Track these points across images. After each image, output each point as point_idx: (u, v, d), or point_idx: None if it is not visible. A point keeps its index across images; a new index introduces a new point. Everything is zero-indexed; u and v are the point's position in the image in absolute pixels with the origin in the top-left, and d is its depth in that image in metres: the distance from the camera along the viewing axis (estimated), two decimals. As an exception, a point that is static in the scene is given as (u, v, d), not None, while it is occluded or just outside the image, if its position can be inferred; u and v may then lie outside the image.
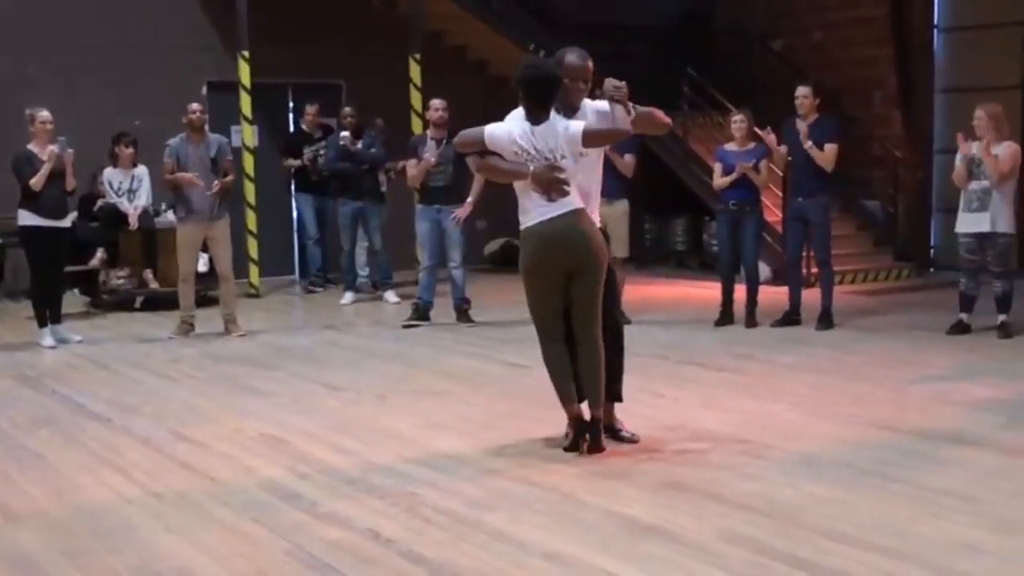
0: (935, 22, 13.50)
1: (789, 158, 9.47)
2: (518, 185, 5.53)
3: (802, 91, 9.33)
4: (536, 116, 5.45)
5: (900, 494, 4.90)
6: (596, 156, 5.67)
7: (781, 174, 11.43)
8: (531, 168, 5.39)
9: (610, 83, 5.54)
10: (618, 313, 6.28)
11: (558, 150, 5.43)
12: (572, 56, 5.62)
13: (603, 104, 5.57)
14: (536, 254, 5.49)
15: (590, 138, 5.48)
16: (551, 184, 5.39)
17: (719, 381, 7.44)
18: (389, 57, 12.80)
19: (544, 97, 5.44)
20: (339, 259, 11.94)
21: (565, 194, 5.41)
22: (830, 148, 9.16)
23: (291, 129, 13.56)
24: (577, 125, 5.47)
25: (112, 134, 11.55)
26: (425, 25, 12.97)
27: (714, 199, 9.93)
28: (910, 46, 13.43)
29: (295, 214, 13.23)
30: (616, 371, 5.83)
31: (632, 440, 5.80)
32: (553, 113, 5.49)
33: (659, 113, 5.77)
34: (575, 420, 5.62)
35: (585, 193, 5.56)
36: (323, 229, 12.59)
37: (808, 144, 9.11)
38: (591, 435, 5.58)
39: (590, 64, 5.63)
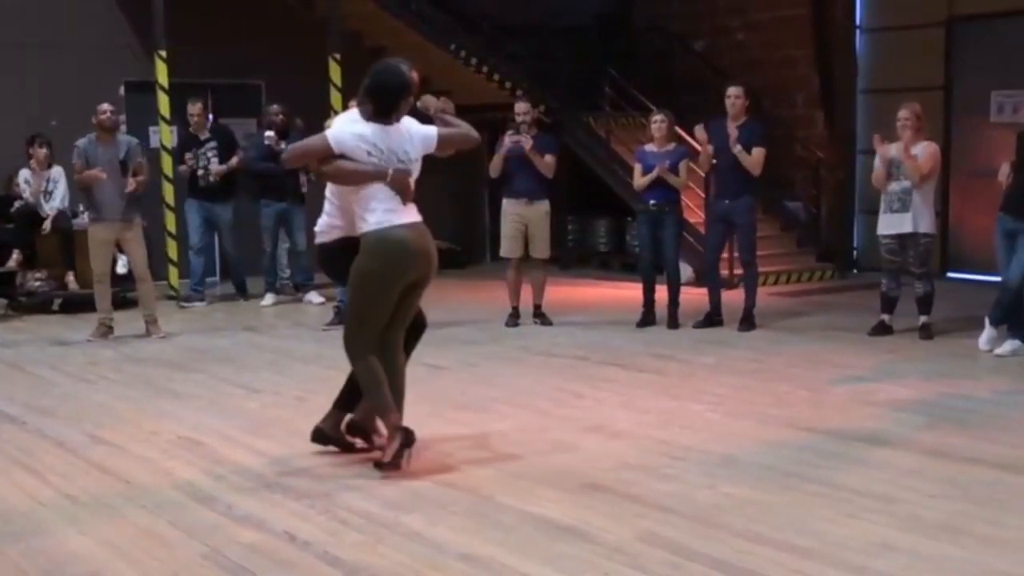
0: (857, 22, 13.60)
1: (714, 160, 9.50)
2: (360, 188, 5.29)
3: (733, 91, 9.35)
4: (386, 119, 5.32)
5: (817, 495, 4.95)
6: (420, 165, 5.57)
7: (703, 174, 11.55)
8: (390, 171, 5.27)
9: (433, 100, 5.60)
10: None
11: (411, 152, 5.38)
12: (406, 68, 5.41)
13: (413, 121, 5.49)
14: (396, 259, 5.25)
15: (444, 142, 5.51)
16: (406, 187, 5.31)
17: (639, 382, 7.48)
18: (309, 57, 12.70)
19: (399, 102, 5.31)
20: (245, 263, 11.81)
21: (412, 199, 5.36)
22: (758, 152, 9.20)
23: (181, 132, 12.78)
24: (431, 128, 5.47)
25: (28, 135, 11.34)
26: (344, 25, 12.88)
27: (636, 200, 9.97)
28: (831, 46, 13.55)
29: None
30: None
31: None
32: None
33: (461, 128, 5.66)
34: (401, 430, 5.28)
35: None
36: (209, 237, 11.86)
37: (737, 148, 9.14)
38: (409, 444, 5.31)
39: (416, 76, 5.50)
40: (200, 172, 11.24)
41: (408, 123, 5.43)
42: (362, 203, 5.29)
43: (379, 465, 5.29)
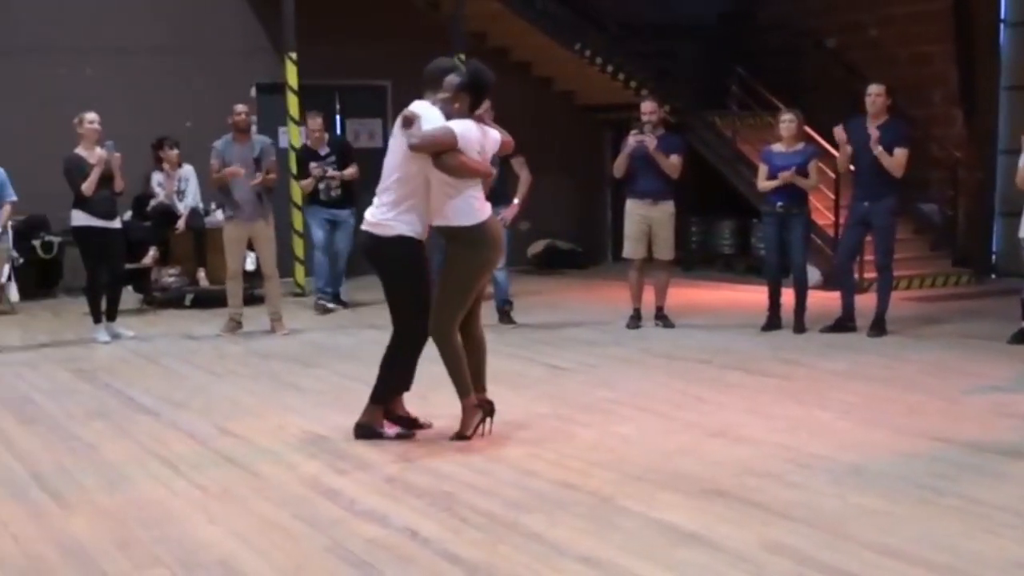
0: (1001, 15, 13.07)
1: (852, 165, 9.22)
2: (456, 181, 5.68)
3: (875, 89, 9.06)
4: (476, 119, 5.80)
5: (952, 508, 4.76)
6: None
7: (832, 175, 11.29)
8: (494, 170, 5.91)
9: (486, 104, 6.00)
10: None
11: (490, 151, 5.87)
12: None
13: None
14: (495, 247, 5.87)
15: (501, 147, 5.98)
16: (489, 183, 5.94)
17: (765, 387, 7.32)
18: (433, 58, 12.77)
19: (482, 102, 5.86)
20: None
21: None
22: (900, 153, 8.89)
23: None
24: (496, 132, 5.93)
25: (163, 136, 11.72)
26: (468, 26, 12.94)
27: (761, 201, 9.77)
28: (973, 41, 13.03)
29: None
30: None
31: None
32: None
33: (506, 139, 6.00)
34: (480, 406, 5.89)
35: None
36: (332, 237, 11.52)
37: (878, 150, 8.87)
38: (490, 414, 5.93)
39: None
40: (322, 186, 11.05)
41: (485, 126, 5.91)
42: (462, 196, 5.69)
43: (459, 436, 5.84)
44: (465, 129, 5.65)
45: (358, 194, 10.97)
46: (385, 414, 6.03)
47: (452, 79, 5.73)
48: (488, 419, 5.93)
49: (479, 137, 5.73)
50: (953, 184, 13.07)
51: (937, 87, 13.37)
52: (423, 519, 4.66)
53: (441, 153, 5.60)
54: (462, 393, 5.87)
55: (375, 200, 5.89)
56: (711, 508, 4.75)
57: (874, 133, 8.87)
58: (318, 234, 11.08)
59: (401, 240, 5.75)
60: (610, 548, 4.28)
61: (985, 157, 13.08)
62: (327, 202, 11.01)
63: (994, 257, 13.22)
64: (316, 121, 11.04)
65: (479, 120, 5.82)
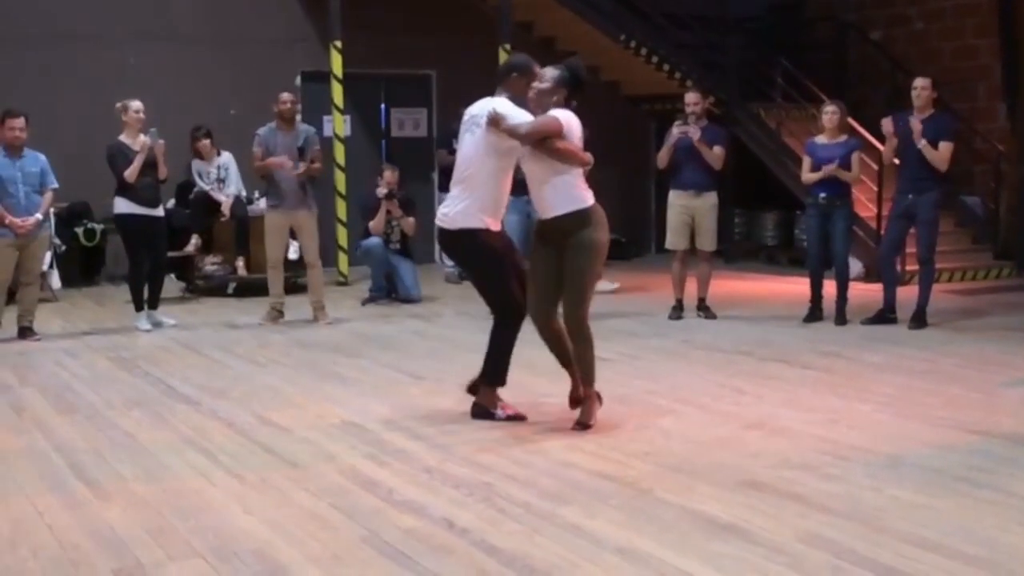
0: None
1: (896, 158, 9.15)
2: (558, 169, 5.82)
3: (921, 83, 9.03)
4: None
5: (989, 501, 4.75)
6: None
7: (877, 168, 11.23)
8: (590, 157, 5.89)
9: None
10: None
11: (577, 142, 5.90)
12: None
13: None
14: (608, 231, 5.97)
15: None
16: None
17: (804, 379, 7.30)
18: (479, 48, 12.83)
19: (577, 96, 6.01)
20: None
21: None
22: (945, 147, 8.85)
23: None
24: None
25: (196, 125, 11.73)
26: (514, 15, 12.95)
27: (805, 193, 9.72)
28: (1018, 35, 12.94)
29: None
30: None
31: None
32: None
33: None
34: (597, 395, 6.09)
35: None
36: None
37: (922, 143, 8.81)
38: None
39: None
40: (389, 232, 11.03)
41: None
42: (575, 182, 5.86)
43: (582, 425, 5.94)
44: (568, 118, 5.82)
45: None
46: None
47: (551, 71, 5.92)
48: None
49: (578, 127, 5.87)
50: (996, 178, 13.00)
51: (981, 81, 13.31)
52: (461, 510, 4.69)
53: (547, 139, 5.75)
54: (589, 382, 6.02)
55: (449, 193, 6.12)
56: (748, 500, 4.75)
57: (917, 127, 8.81)
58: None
59: (469, 232, 5.97)
60: (647, 540, 4.29)
61: (1027, 151, 12.96)
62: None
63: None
64: (392, 174, 10.96)
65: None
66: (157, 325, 9.49)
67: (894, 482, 5.00)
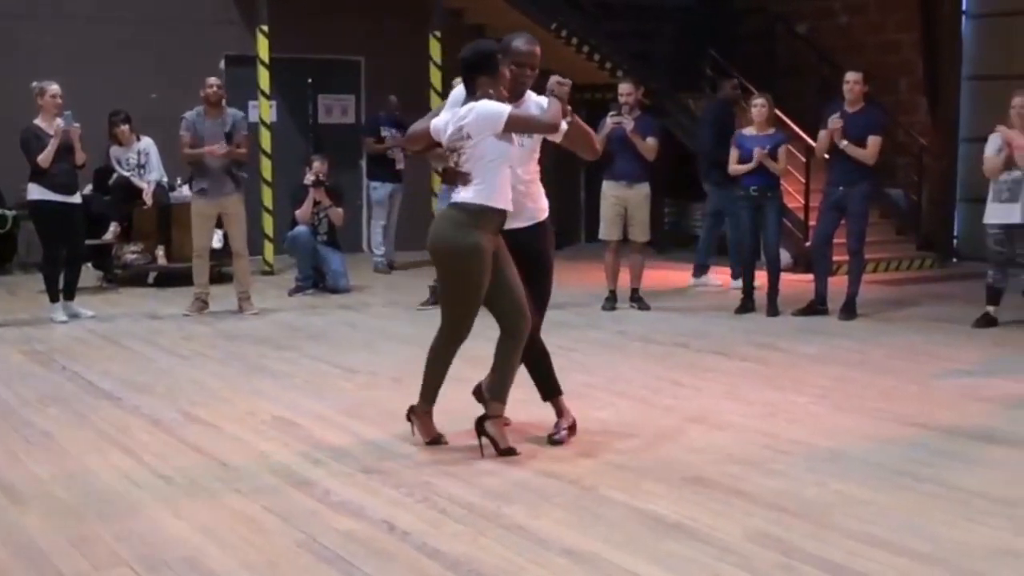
0: (964, 8, 13.22)
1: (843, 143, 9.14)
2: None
3: (852, 77, 9.06)
4: (471, 99, 5.27)
5: (932, 495, 4.74)
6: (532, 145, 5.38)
7: (804, 159, 11.30)
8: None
9: (555, 79, 5.34)
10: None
11: (465, 130, 5.20)
12: (520, 41, 5.35)
13: (545, 100, 5.32)
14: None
15: (514, 123, 5.18)
16: (445, 172, 5.41)
17: (741, 371, 7.28)
18: (408, 34, 12.66)
19: (471, 79, 5.26)
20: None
21: (459, 182, 5.27)
22: (873, 141, 8.90)
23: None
24: (502, 107, 5.19)
25: (114, 110, 11.38)
26: (445, 3, 12.80)
27: (734, 184, 9.73)
28: (938, 32, 13.15)
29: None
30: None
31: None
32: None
33: (594, 136, 5.69)
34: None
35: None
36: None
37: (844, 143, 8.86)
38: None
39: (538, 50, 5.37)
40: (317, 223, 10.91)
41: (527, 103, 5.33)
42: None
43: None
44: (436, 117, 5.47)
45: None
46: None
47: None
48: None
49: (444, 120, 5.35)
50: (918, 170, 13.18)
51: (904, 75, 13.50)
52: (401, 511, 4.54)
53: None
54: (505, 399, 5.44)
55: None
56: (694, 497, 4.68)
57: (834, 124, 8.84)
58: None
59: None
60: (595, 540, 4.19)
61: (948, 145, 13.19)
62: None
63: (956, 242, 13.36)
64: (322, 164, 10.81)
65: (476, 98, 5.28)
66: (74, 316, 9.17)
67: (837, 477, 4.97)
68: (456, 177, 5.26)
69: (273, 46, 11.84)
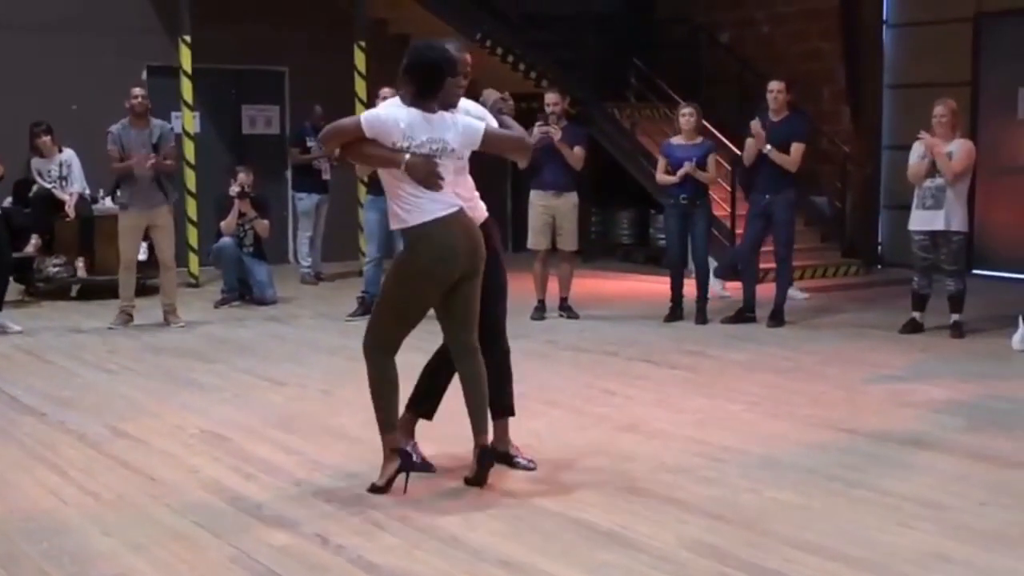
0: (884, 17, 13.46)
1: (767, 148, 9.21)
2: (392, 177, 4.88)
3: (775, 86, 9.19)
4: (428, 105, 4.87)
5: (864, 500, 4.80)
6: (465, 162, 5.14)
7: (730, 168, 11.41)
8: (406, 157, 4.79)
9: (494, 93, 5.23)
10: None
11: (450, 142, 4.89)
12: (452, 48, 5.03)
13: (480, 108, 5.18)
14: (440, 254, 4.86)
15: (490, 140, 5.03)
16: (430, 177, 4.83)
17: (672, 379, 7.33)
18: (333, 44, 12.58)
19: (438, 81, 4.88)
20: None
21: (440, 188, 4.87)
22: (796, 148, 9.04)
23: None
24: (479, 123, 5.02)
25: (35, 121, 11.16)
26: (369, 12, 12.75)
27: (661, 193, 9.80)
28: (859, 41, 13.37)
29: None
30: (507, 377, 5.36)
31: (529, 468, 5.23)
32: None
33: (528, 139, 5.45)
34: (399, 452, 4.92)
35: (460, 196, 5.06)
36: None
37: (767, 148, 8.98)
38: (485, 465, 4.96)
39: (469, 57, 5.20)
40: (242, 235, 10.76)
41: (461, 112, 5.06)
42: (402, 195, 4.87)
43: (373, 488, 4.88)
44: (375, 115, 4.93)
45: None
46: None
47: (402, 64, 4.95)
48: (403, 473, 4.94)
49: (410, 127, 4.82)
50: (842, 178, 13.36)
51: (826, 83, 13.68)
52: (334, 524, 4.49)
53: (350, 144, 4.91)
54: (379, 428, 5.02)
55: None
56: (629, 506, 4.69)
57: (756, 130, 8.97)
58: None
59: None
60: (530, 551, 4.18)
61: (872, 152, 13.41)
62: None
63: (880, 248, 13.56)
64: (248, 177, 10.68)
65: (439, 109, 4.91)
66: (2, 331, 8.95)
67: (770, 483, 5.01)
68: (430, 185, 4.89)
69: (196, 56, 11.69)
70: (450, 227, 4.89)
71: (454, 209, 4.93)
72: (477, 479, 4.94)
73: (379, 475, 4.91)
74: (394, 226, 5.02)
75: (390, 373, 5.01)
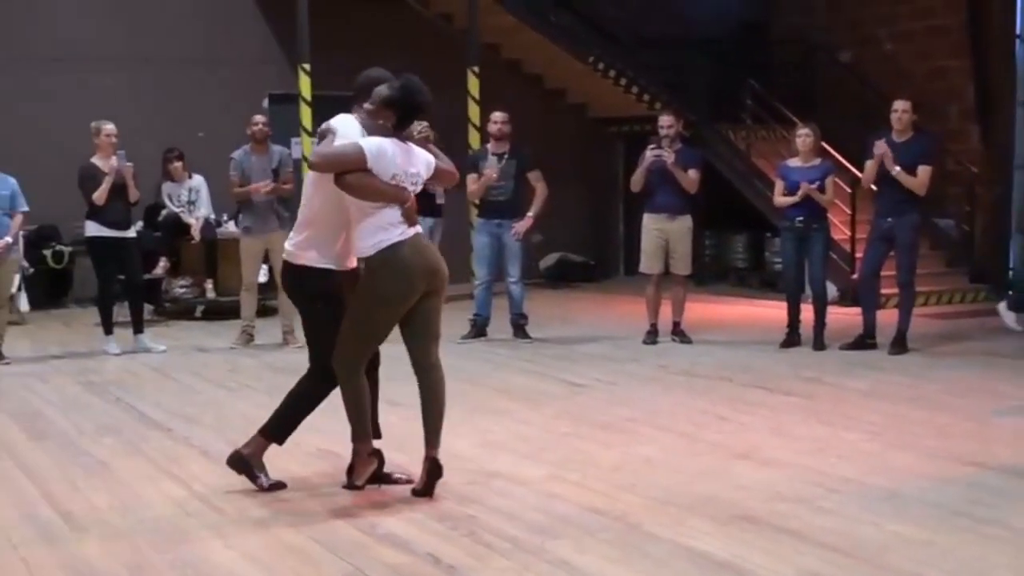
0: (1016, 31, 12.94)
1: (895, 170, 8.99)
2: (362, 209, 5.02)
3: (900, 105, 8.93)
4: (399, 134, 5.12)
5: (993, 537, 4.62)
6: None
7: (850, 190, 11.20)
8: (410, 194, 5.10)
9: (427, 129, 5.39)
10: None
11: (421, 174, 5.20)
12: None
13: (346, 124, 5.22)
14: (408, 278, 5.06)
15: (438, 173, 5.36)
16: (411, 210, 5.10)
17: (787, 406, 7.18)
18: (446, 69, 12.71)
19: (415, 119, 5.30)
20: None
21: (416, 222, 5.17)
22: (923, 170, 8.77)
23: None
24: (429, 155, 5.29)
25: (169, 147, 11.59)
26: (481, 38, 12.87)
27: (777, 216, 9.64)
28: (989, 56, 12.93)
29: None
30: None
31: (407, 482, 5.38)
32: None
33: (454, 171, 5.53)
34: (376, 455, 5.30)
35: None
36: None
37: (896, 170, 8.72)
38: (433, 477, 5.20)
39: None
40: None
41: (337, 130, 5.14)
42: (366, 223, 5.03)
43: (349, 485, 5.30)
44: (378, 147, 5.00)
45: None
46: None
47: (381, 90, 5.10)
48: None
49: (398, 158, 5.05)
50: (970, 200, 12.95)
51: (953, 102, 13.29)
52: (446, 544, 4.54)
53: (346, 173, 4.97)
54: (356, 436, 5.29)
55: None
56: (743, 535, 4.62)
57: (882, 149, 8.71)
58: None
59: (305, 271, 5.25)
60: (642, 577, 4.15)
61: (1001, 172, 12.94)
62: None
63: (1011, 273, 13.04)
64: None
65: (406, 140, 5.17)
66: (145, 351, 9.31)
67: (892, 516, 4.86)
68: (412, 221, 5.13)
69: (315, 84, 11.97)
70: (408, 251, 5.07)
71: (411, 234, 5.12)
72: (425, 490, 5.17)
73: (359, 476, 5.24)
74: (360, 251, 5.15)
75: (360, 385, 5.31)
